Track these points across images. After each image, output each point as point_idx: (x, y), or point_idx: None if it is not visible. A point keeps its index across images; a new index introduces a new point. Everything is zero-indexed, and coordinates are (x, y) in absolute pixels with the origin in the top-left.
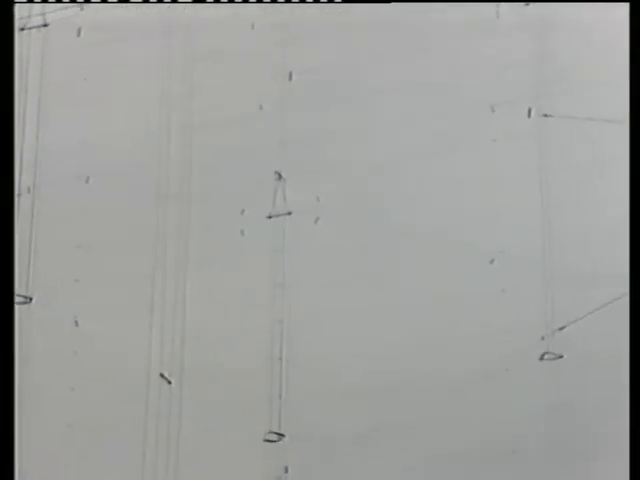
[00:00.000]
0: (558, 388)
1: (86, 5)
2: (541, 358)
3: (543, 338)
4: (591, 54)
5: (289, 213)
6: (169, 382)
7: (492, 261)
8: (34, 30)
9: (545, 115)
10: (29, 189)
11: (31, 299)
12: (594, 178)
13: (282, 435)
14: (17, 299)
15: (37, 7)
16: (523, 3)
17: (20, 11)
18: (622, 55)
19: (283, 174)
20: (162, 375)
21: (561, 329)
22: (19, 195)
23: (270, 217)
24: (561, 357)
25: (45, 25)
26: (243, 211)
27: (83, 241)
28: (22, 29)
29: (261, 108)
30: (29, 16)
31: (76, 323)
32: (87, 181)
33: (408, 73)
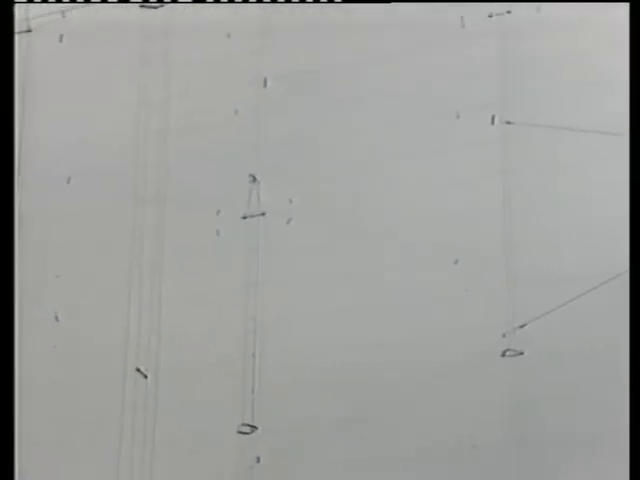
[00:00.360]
0: (519, 384)
1: (69, 12)
2: (503, 355)
3: (504, 335)
4: (553, 64)
5: (263, 214)
6: (145, 376)
7: (456, 261)
8: (17, 35)
9: (508, 122)
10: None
11: None
12: (554, 183)
13: (255, 427)
14: None
15: (21, 13)
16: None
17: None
18: (586, 65)
19: (257, 177)
20: (138, 369)
21: (522, 327)
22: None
23: (245, 218)
24: (522, 354)
25: (29, 31)
26: (219, 212)
27: (64, 239)
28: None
29: (236, 113)
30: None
31: (56, 318)
32: (68, 182)
33: (377, 81)
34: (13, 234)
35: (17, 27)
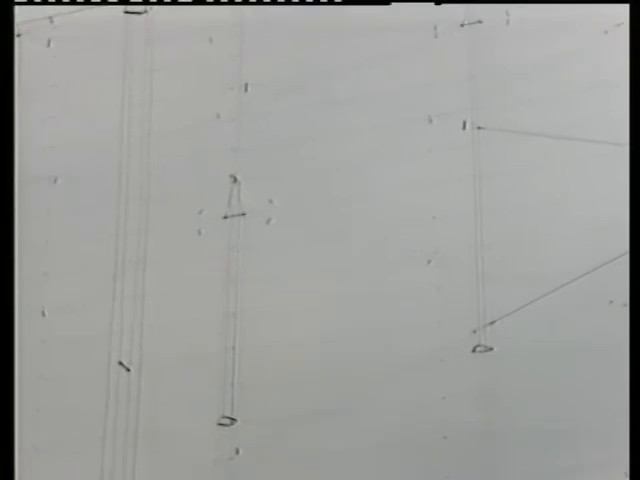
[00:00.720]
0: (488, 378)
1: (56, 17)
2: (473, 350)
3: (475, 332)
4: (523, 72)
5: (243, 214)
6: (128, 370)
7: (429, 261)
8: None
9: (479, 127)
10: None
11: None
12: (523, 186)
13: (234, 420)
14: None
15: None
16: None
17: None
18: (556, 72)
19: (238, 178)
20: (121, 363)
21: (491, 324)
22: None
23: (226, 217)
24: (491, 349)
25: (18, 35)
26: (201, 211)
27: (51, 238)
28: None
29: (218, 117)
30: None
31: (43, 314)
32: (55, 182)
33: (354, 87)
34: (12, 235)
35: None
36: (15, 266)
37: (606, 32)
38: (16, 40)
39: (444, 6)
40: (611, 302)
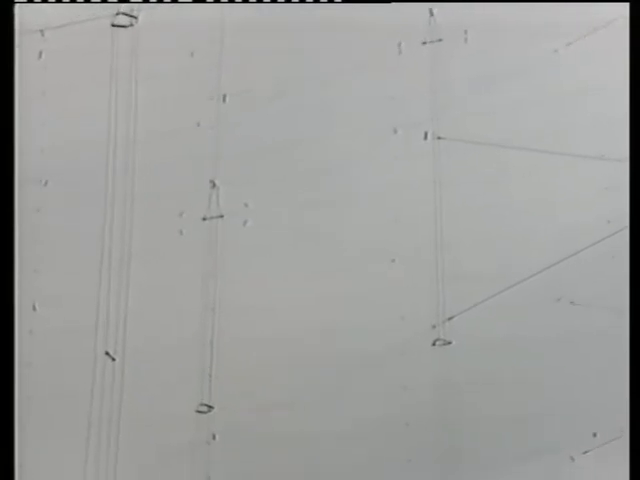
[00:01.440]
0: (447, 370)
1: (47, 31)
2: (433, 344)
3: (434, 327)
4: (480, 86)
5: (221, 216)
6: (113, 359)
7: (393, 260)
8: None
9: (439, 138)
10: None
11: None
12: (479, 191)
13: (211, 407)
14: None
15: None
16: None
17: None
18: (511, 88)
19: (217, 182)
20: (107, 353)
21: (450, 319)
22: None
23: (205, 219)
24: (450, 343)
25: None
26: (182, 213)
27: (41, 236)
28: None
29: (198, 125)
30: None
31: (34, 307)
32: (45, 184)
33: (324, 99)
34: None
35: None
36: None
37: (568, 44)
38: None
39: (408, 25)
40: (558, 300)
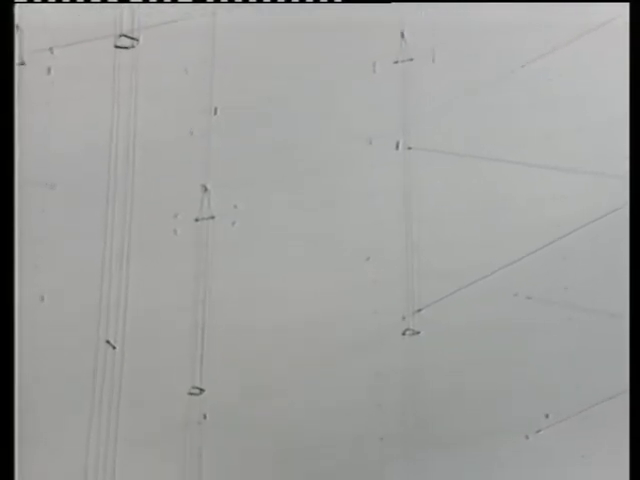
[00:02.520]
0: (415, 357)
1: (56, 49)
2: (403, 334)
3: (404, 318)
4: (446, 101)
5: (212, 217)
6: (114, 347)
7: (368, 259)
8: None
9: (409, 148)
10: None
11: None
12: (445, 198)
13: (202, 390)
14: None
15: (17, 46)
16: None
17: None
18: (475, 102)
19: (208, 187)
20: (108, 341)
21: (418, 311)
22: None
23: (197, 220)
24: (418, 333)
25: (22, 64)
26: (176, 215)
27: (47, 235)
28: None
29: (192, 134)
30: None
31: (42, 299)
32: (52, 187)
33: (307, 113)
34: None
35: (16, 59)
36: (15, 260)
37: (523, 66)
38: (21, 67)
39: (382, 46)
40: (516, 295)
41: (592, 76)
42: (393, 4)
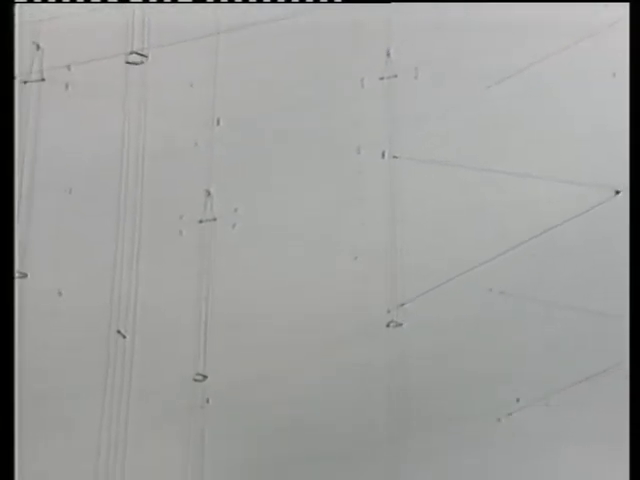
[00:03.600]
0: (398, 346)
1: (73, 66)
2: (387, 325)
3: (389, 311)
4: (427, 115)
5: (215, 219)
6: (124, 337)
7: (356, 258)
8: (35, 83)
9: (394, 157)
10: (27, 197)
11: (26, 275)
12: (427, 202)
13: (205, 376)
14: (17, 274)
15: (37, 64)
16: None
17: (21, 67)
18: (454, 117)
19: (211, 191)
20: (119, 331)
21: (402, 305)
22: (19, 200)
23: (201, 222)
24: (401, 325)
25: (42, 80)
26: (182, 217)
27: (64, 234)
28: (25, 82)
29: (196, 144)
30: (30, 72)
31: (59, 293)
32: (70, 192)
33: (302, 124)
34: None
35: (34, 76)
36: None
37: (498, 82)
38: (41, 84)
39: (369, 64)
40: (490, 290)
41: (569, 92)
42: (384, 17)
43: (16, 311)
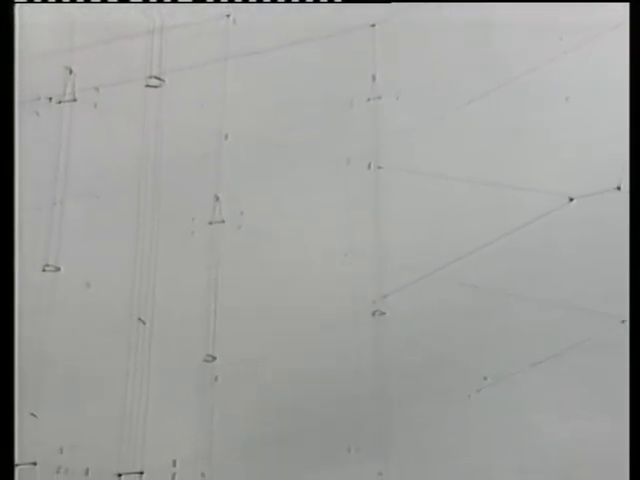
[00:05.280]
0: (381, 333)
1: (101, 88)
2: (373, 314)
3: (374, 302)
4: (409, 130)
5: (223, 221)
6: (144, 323)
7: (346, 255)
8: (67, 103)
9: (379, 167)
10: (61, 202)
11: (60, 269)
12: (408, 206)
13: (214, 357)
14: (51, 268)
15: (69, 86)
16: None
17: (56, 89)
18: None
19: (219, 196)
20: (139, 319)
21: (385, 296)
22: (53, 204)
23: (211, 223)
24: (384, 314)
25: (74, 100)
26: (193, 219)
27: (92, 234)
28: (59, 102)
29: (206, 156)
30: (64, 94)
31: (88, 285)
32: (98, 197)
33: (297, 139)
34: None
35: (67, 97)
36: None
37: (478, 99)
38: (73, 103)
39: (357, 87)
40: (462, 285)
41: (546, 107)
42: (370, 46)
43: (49, 301)
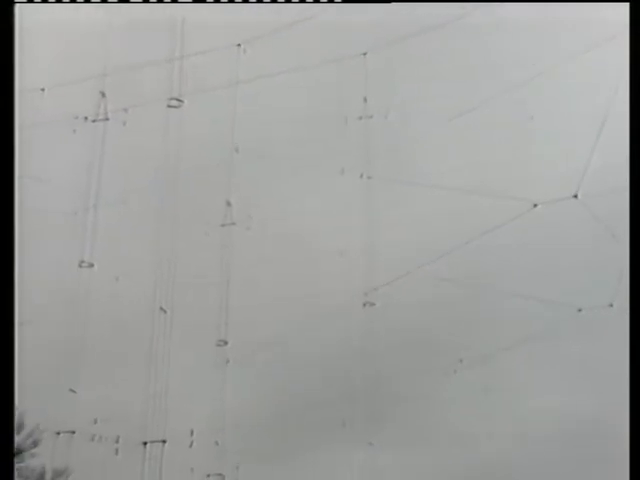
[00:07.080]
0: (371, 321)
1: (130, 109)
2: (364, 305)
3: (366, 294)
4: (397, 145)
5: (233, 224)
6: (165, 312)
7: (341, 253)
8: (100, 122)
9: (369, 177)
10: (94, 207)
11: (93, 265)
12: (395, 211)
13: (226, 342)
14: (86, 265)
15: (102, 107)
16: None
17: (91, 110)
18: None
19: (231, 202)
20: (161, 308)
21: (375, 289)
22: (87, 209)
23: (223, 225)
24: (374, 304)
25: (107, 119)
26: (208, 221)
27: (120, 234)
28: (93, 121)
29: (219, 166)
30: (97, 114)
31: (117, 279)
32: (125, 203)
33: (298, 153)
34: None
35: (100, 117)
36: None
37: (460, 115)
38: (106, 123)
39: (350, 107)
40: (441, 280)
41: (523, 124)
42: (362, 73)
43: (84, 292)
